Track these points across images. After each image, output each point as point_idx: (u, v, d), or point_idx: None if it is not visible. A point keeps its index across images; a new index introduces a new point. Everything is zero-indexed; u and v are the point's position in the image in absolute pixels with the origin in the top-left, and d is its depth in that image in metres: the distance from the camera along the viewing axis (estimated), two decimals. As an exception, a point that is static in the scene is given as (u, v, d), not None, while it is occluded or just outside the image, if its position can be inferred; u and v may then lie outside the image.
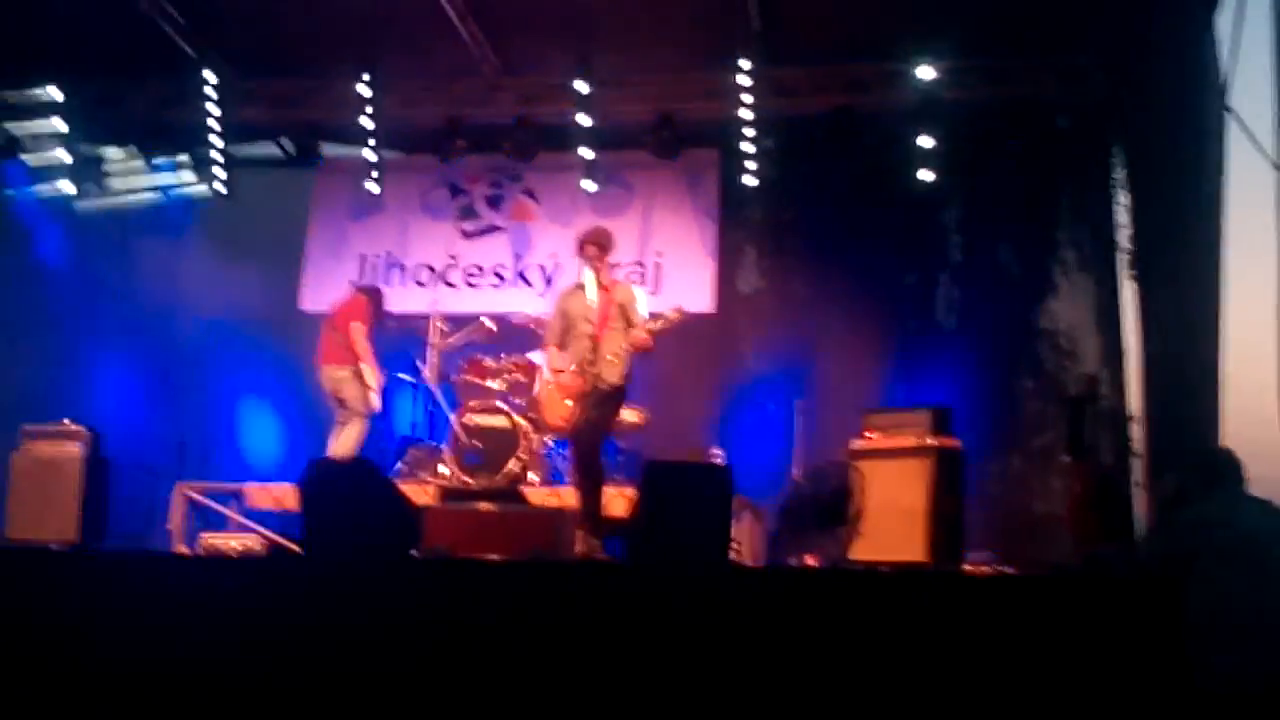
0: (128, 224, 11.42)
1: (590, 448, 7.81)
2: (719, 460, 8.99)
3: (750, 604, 4.92)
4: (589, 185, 10.75)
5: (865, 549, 7.07)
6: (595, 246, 8.02)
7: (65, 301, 10.91)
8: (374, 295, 9.90)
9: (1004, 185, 10.28)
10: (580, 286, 8.09)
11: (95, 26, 9.82)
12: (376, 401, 9.47)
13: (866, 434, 7.54)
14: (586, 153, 10.57)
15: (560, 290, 8.78)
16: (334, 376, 9.39)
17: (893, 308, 10.52)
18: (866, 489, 7.18)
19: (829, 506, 7.36)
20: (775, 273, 10.97)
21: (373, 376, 9.43)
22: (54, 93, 10.81)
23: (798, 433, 9.28)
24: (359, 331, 9.48)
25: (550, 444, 9.44)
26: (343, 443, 9.26)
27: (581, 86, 10.24)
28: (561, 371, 7.92)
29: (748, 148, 10.36)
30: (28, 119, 10.97)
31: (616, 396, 7.95)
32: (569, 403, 7.79)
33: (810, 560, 7.44)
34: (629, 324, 7.88)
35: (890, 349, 10.38)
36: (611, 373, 7.77)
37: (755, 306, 10.94)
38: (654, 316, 7.95)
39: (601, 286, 8.00)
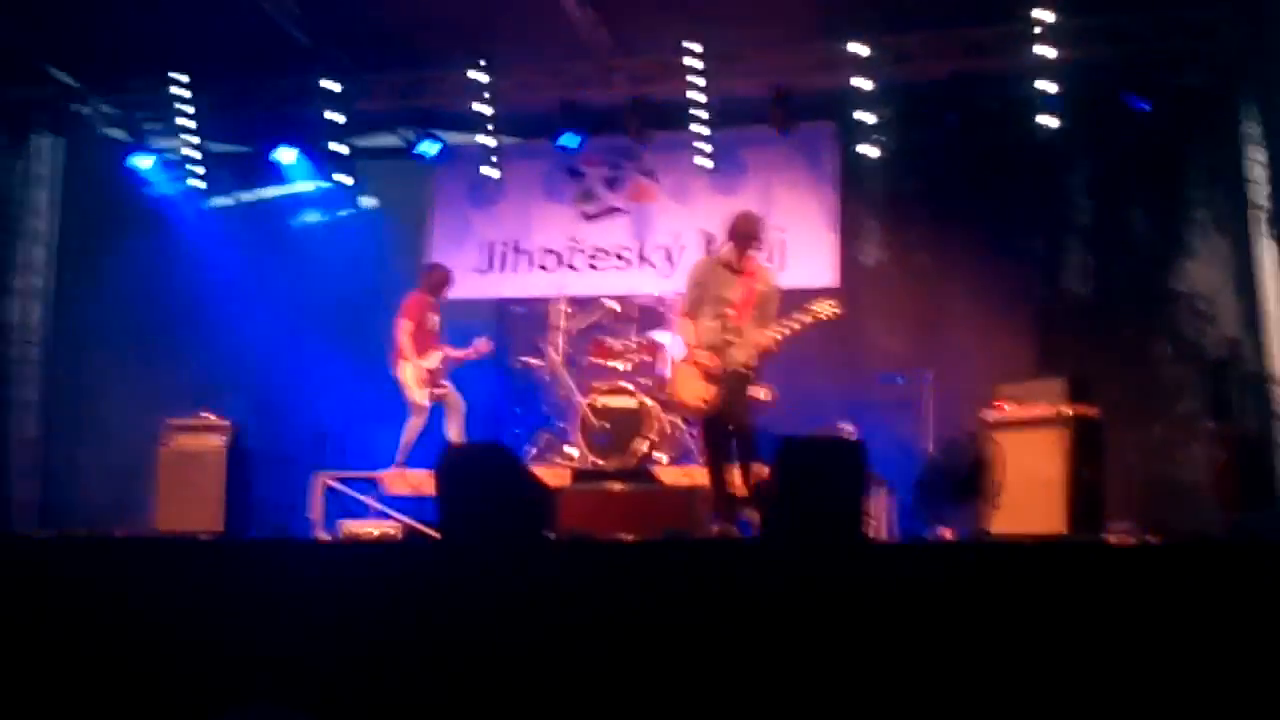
0: (256, 219, 11.67)
1: (750, 431, 7.76)
2: (850, 435, 8.91)
3: (888, 579, 4.87)
4: (706, 163, 10.73)
5: (1003, 521, 6.97)
6: (751, 238, 7.98)
7: (201, 295, 11.17)
8: (433, 279, 10.24)
9: (1132, 146, 10.01)
10: (724, 264, 8.01)
11: (219, 24, 10.05)
12: (418, 397, 9.79)
13: (1000, 405, 7.41)
14: (702, 130, 10.54)
15: (696, 263, 8.72)
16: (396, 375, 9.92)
17: (1022, 276, 10.33)
18: (1003, 461, 7.07)
19: (965, 479, 7.26)
20: (898, 244, 10.83)
21: (410, 373, 9.81)
22: (181, 90, 11.08)
23: (928, 405, 9.16)
24: (402, 330, 9.90)
25: (681, 424, 9.44)
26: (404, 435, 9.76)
27: (694, 63, 10.21)
28: (698, 348, 7.86)
29: (865, 118, 10.24)
30: (156, 116, 11.28)
31: (749, 380, 7.91)
32: (704, 383, 7.78)
33: (946, 534, 7.35)
34: (764, 315, 7.85)
35: (1021, 318, 10.20)
36: (748, 356, 7.74)
37: (879, 279, 10.82)
38: (803, 311, 7.83)
39: (747, 272, 7.96)
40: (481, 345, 10.03)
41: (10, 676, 5.07)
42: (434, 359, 9.94)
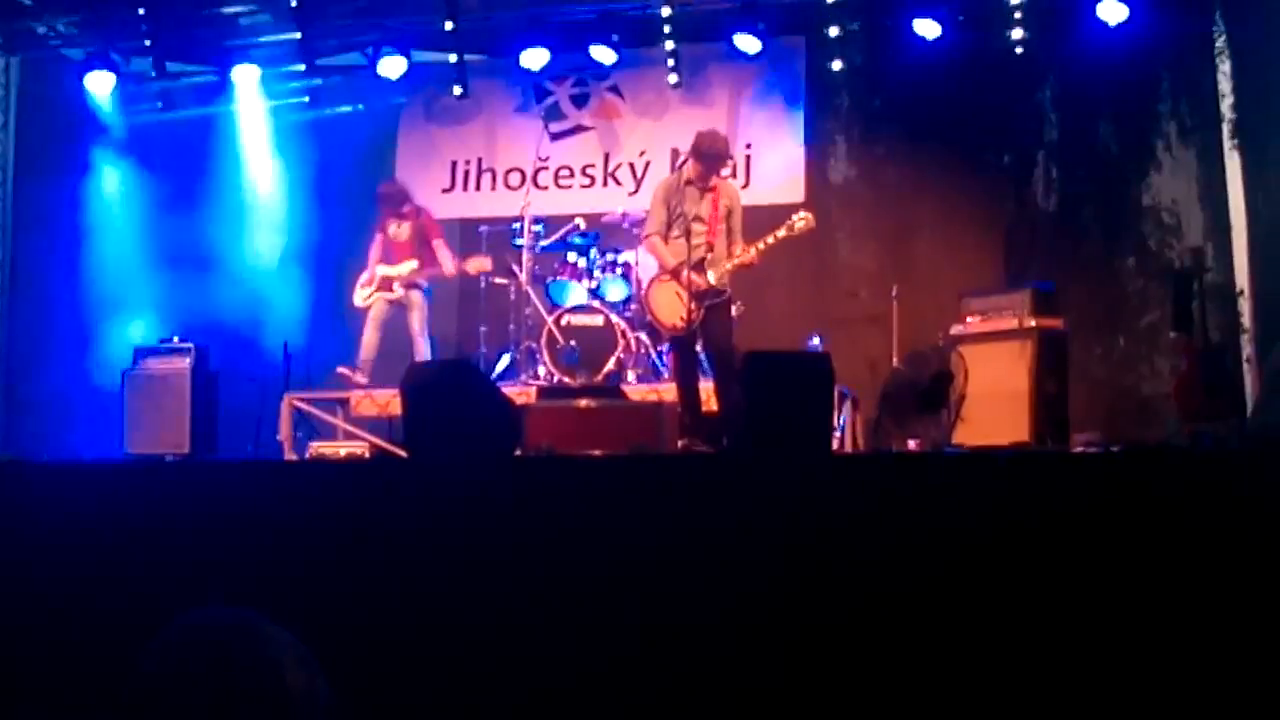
0: (217, 139, 11.48)
1: (731, 350, 7.83)
2: (817, 349, 8.94)
3: (854, 492, 4.90)
4: (673, 79, 10.64)
5: (968, 433, 7.03)
6: (718, 157, 8.12)
7: (165, 217, 11.00)
8: (385, 197, 10.38)
9: (1101, 59, 9.97)
10: (688, 182, 8.06)
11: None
12: (356, 298, 10.19)
13: (966, 318, 7.45)
14: (670, 45, 10.44)
15: (662, 181, 8.72)
16: None
17: (989, 190, 10.34)
18: (968, 373, 7.11)
19: (930, 391, 7.32)
20: (866, 160, 10.77)
21: (361, 278, 10.19)
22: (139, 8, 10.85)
23: (895, 319, 9.19)
24: (372, 243, 10.26)
25: (646, 341, 9.44)
26: None
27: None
28: (675, 269, 7.90)
29: (834, 32, 10.16)
30: (113, 35, 11.03)
31: (728, 299, 7.95)
32: (683, 303, 7.81)
33: (913, 445, 7.41)
34: (730, 230, 7.82)
35: (988, 232, 10.23)
36: (722, 273, 7.77)
37: (847, 195, 10.78)
38: (780, 225, 7.89)
39: (714, 189, 7.95)
40: (470, 265, 10.05)
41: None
42: (403, 268, 10.09)
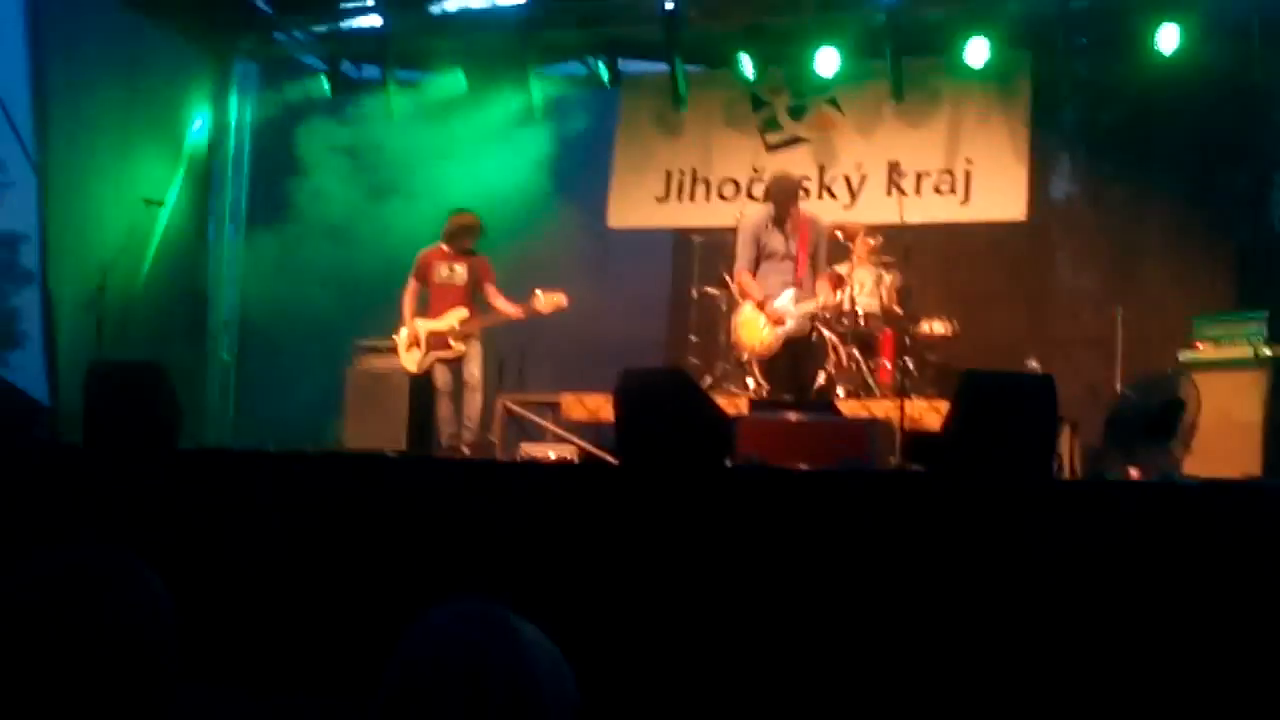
0: (441, 144, 11.74)
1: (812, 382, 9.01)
2: (1036, 371, 8.70)
3: (1078, 519, 4.75)
4: (893, 91, 10.51)
5: (1195, 464, 6.75)
6: (790, 197, 9.10)
7: (386, 216, 11.29)
8: (450, 228, 9.52)
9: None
10: (773, 221, 9.11)
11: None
12: (407, 363, 9.38)
13: (1197, 344, 7.16)
14: (890, 57, 10.32)
15: (746, 220, 9.52)
16: None
17: (1222, 212, 9.92)
18: (1199, 401, 6.83)
19: (1160, 419, 7.03)
20: (1091, 178, 10.49)
21: (402, 337, 9.42)
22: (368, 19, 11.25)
23: (1119, 343, 8.89)
24: (405, 292, 9.51)
25: (856, 354, 9.34)
26: None
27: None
28: (768, 302, 8.95)
29: (1062, 45, 9.90)
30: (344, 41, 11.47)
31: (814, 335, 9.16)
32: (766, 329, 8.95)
33: (1135, 474, 7.14)
34: (819, 264, 9.13)
35: (1219, 255, 9.80)
36: (813, 308, 9.03)
37: (1069, 214, 10.53)
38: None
39: (798, 226, 9.03)
40: (541, 302, 9.22)
41: (205, 586, 5.29)
42: (451, 318, 9.31)
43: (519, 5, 10.88)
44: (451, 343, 9.27)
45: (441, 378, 9.30)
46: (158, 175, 10.97)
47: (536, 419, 9.91)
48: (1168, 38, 9.40)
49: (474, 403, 9.30)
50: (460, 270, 9.40)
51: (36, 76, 9.74)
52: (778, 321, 8.94)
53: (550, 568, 5.05)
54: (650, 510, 5.20)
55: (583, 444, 9.40)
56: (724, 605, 4.87)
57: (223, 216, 11.90)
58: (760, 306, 8.99)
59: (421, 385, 9.44)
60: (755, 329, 9.01)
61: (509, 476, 6.21)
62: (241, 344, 11.82)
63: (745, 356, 9.23)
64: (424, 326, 9.34)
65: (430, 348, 9.32)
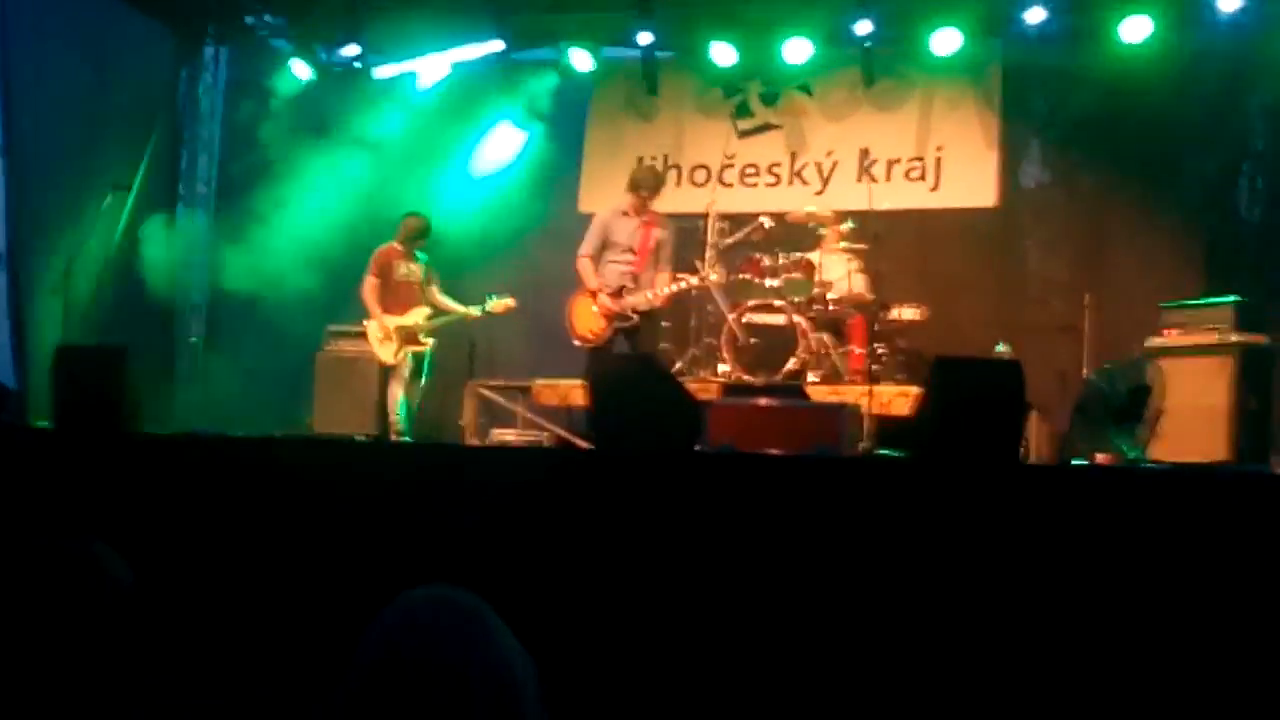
0: (411, 134, 11.67)
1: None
2: (1005, 357, 8.75)
3: (1045, 503, 4.78)
4: (863, 78, 10.52)
5: (1164, 449, 6.80)
6: (651, 188, 9.46)
7: (361, 204, 11.24)
8: (405, 228, 9.83)
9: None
10: (625, 213, 9.45)
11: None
12: (384, 355, 9.58)
13: (1165, 330, 7.21)
14: (862, 43, 10.32)
15: (602, 212, 9.78)
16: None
17: (1191, 199, 9.96)
18: (1167, 387, 6.88)
19: (1127, 405, 7.09)
20: (1061, 165, 10.53)
21: (373, 330, 9.61)
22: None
23: (1087, 329, 8.94)
24: (366, 287, 9.69)
25: (826, 341, 9.37)
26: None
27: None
28: (600, 291, 9.32)
29: (1031, 32, 9.92)
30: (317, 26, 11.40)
31: (659, 324, 9.68)
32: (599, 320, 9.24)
33: (1103, 460, 7.20)
34: (661, 261, 9.46)
35: (1187, 243, 9.85)
36: (645, 301, 9.37)
37: (1039, 200, 10.56)
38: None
39: (646, 220, 9.40)
40: (491, 304, 9.62)
41: (173, 570, 5.27)
42: (416, 314, 9.69)
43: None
44: (420, 337, 9.67)
45: (409, 368, 9.63)
46: (126, 158, 10.88)
47: (508, 404, 9.90)
48: (1137, 26, 9.43)
49: (422, 392, 9.74)
50: (415, 269, 9.80)
51: (3, 59, 9.64)
52: (606, 313, 9.25)
53: (521, 552, 5.05)
54: (622, 495, 5.19)
55: (555, 429, 9.40)
56: (696, 590, 4.87)
57: (192, 200, 11.80)
58: (593, 295, 9.29)
59: (388, 371, 9.45)
60: (588, 316, 9.32)
61: (480, 461, 6.20)
62: (210, 328, 11.74)
63: (578, 344, 9.44)
64: (393, 322, 9.63)
65: (404, 342, 9.63)
